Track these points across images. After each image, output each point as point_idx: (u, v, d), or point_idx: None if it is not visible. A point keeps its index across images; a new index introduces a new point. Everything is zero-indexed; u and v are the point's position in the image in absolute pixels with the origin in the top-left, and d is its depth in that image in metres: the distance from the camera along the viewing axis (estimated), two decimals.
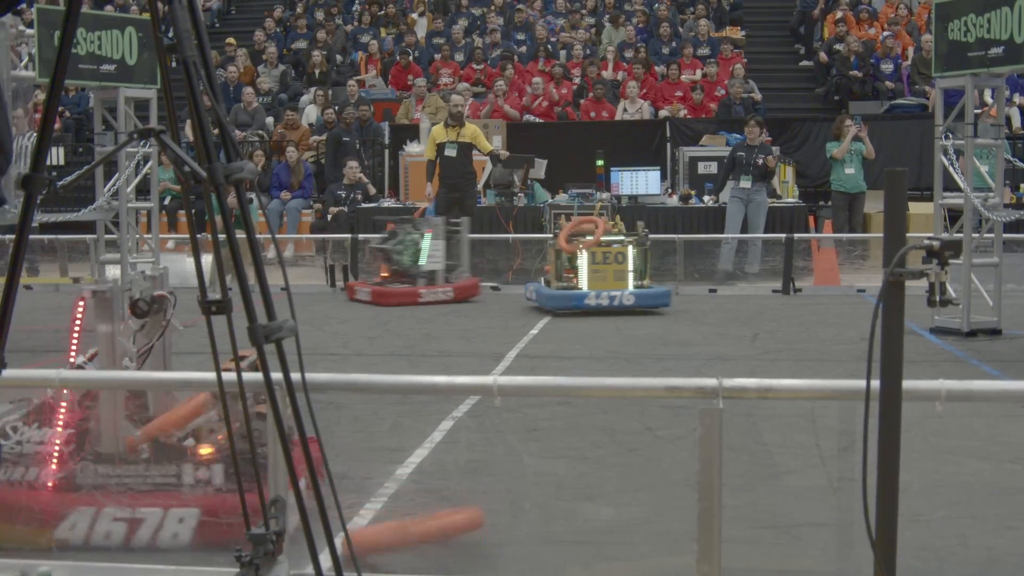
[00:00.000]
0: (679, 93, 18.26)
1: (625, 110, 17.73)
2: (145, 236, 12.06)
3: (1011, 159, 11.55)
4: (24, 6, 14.64)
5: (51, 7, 10.38)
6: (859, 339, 9.02)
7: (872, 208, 14.87)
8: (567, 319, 10.69)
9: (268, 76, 19.86)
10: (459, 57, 20.27)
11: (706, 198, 14.76)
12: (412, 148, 16.61)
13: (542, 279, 11.59)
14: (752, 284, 13.50)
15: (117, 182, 10.87)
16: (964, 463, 5.54)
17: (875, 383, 2.87)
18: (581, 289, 10.97)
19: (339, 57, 20.42)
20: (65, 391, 4.43)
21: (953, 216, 10.39)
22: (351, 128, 17.06)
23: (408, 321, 10.65)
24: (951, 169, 9.68)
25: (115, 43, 10.47)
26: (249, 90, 18.66)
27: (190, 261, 10.18)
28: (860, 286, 12.81)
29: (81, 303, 4.60)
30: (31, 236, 2.92)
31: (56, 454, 4.38)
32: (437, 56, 20.22)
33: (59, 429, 4.42)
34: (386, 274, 12.38)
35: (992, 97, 11.66)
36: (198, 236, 3.44)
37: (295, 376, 2.92)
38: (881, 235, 2.93)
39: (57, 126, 16.87)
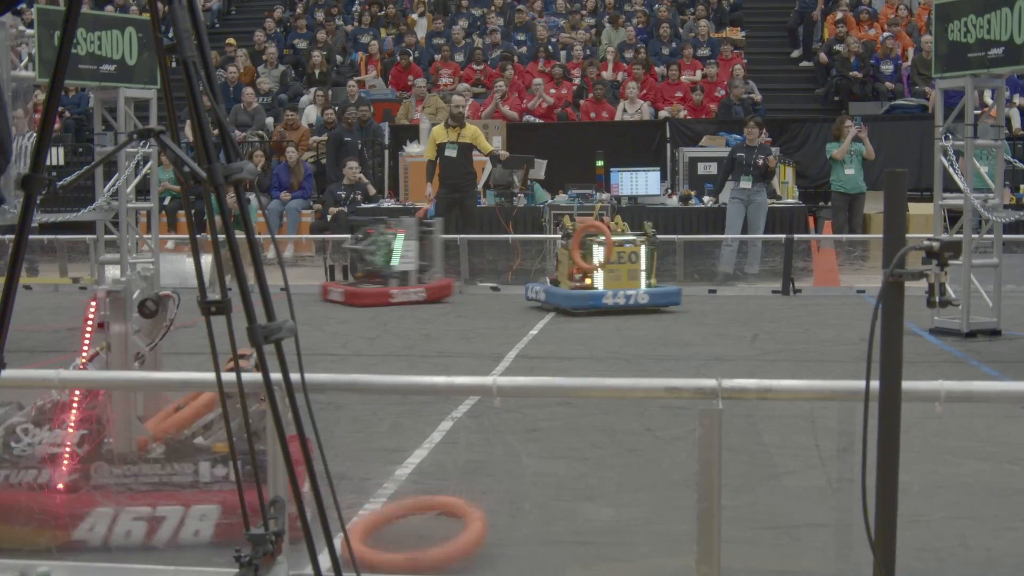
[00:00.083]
0: (679, 94, 18.26)
1: (625, 111, 17.72)
2: (145, 236, 12.07)
3: (1011, 160, 11.55)
4: (24, 6, 14.65)
5: (51, 7, 10.38)
6: (859, 340, 9.02)
7: (872, 209, 14.87)
8: (567, 319, 10.70)
9: (268, 76, 19.85)
10: (459, 57, 20.26)
11: (706, 199, 14.75)
12: (412, 148, 16.60)
13: (547, 279, 11.59)
14: (752, 285, 13.50)
15: (117, 182, 10.88)
16: (964, 464, 5.54)
17: (875, 384, 2.87)
18: (597, 289, 11.05)
19: (339, 57, 20.40)
20: (77, 392, 4.44)
21: (953, 217, 10.40)
22: (353, 128, 17.06)
23: (408, 321, 10.65)
24: (951, 170, 9.68)
25: (115, 43, 10.48)
26: (249, 90, 18.66)
27: (189, 261, 10.18)
28: (860, 287, 12.81)
29: (93, 303, 4.60)
30: (31, 236, 2.92)
31: (67, 455, 4.39)
32: (437, 56, 20.22)
33: (70, 430, 4.42)
34: (359, 275, 12.40)
35: (992, 98, 11.67)
36: (198, 236, 3.44)
37: (294, 377, 2.92)
38: (881, 236, 2.93)
39: (57, 126, 16.87)
